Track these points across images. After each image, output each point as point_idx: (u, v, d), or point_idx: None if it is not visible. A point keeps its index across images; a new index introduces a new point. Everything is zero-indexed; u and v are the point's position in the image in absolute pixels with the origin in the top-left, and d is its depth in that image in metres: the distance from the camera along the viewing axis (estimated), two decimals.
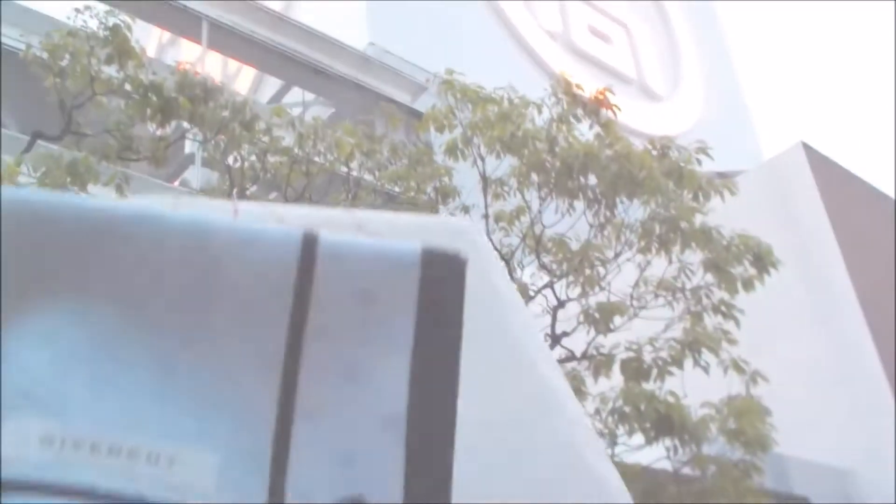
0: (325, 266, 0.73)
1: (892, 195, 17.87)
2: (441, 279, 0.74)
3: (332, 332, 0.73)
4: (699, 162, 7.74)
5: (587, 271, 7.72)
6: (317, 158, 7.65)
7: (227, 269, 0.72)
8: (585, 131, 7.82)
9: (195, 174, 11.80)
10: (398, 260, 0.74)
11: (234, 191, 7.49)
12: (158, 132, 7.15)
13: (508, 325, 0.96)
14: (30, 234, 0.70)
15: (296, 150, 7.50)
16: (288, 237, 0.73)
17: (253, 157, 7.53)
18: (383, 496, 0.68)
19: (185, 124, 7.41)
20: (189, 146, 10.86)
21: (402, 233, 0.98)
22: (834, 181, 16.72)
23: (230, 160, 7.63)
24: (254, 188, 7.90)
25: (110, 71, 6.70)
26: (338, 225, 0.93)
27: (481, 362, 0.74)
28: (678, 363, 7.20)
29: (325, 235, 0.74)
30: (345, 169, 7.80)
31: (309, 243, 0.73)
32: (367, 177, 7.90)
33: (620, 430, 7.06)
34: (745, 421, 7.02)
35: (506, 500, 0.87)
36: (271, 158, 7.54)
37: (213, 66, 17.83)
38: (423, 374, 0.72)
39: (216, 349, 0.72)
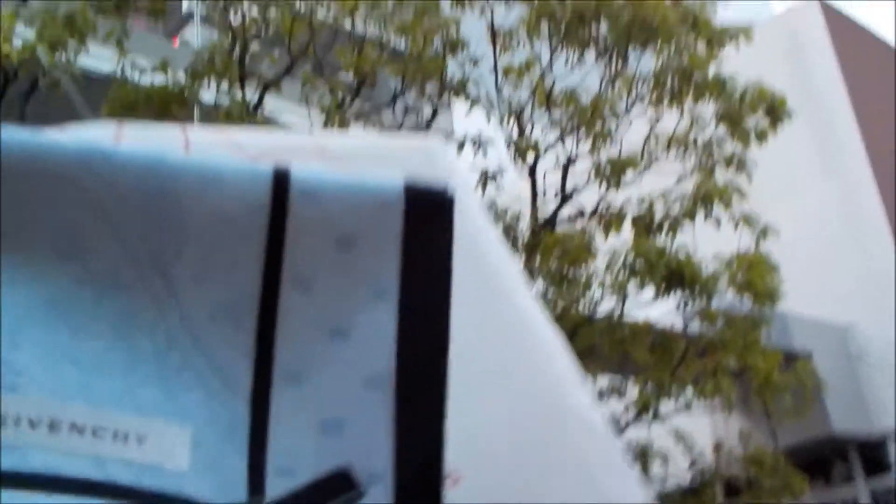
0: (298, 207, 0.64)
1: None
2: (427, 219, 0.66)
3: (310, 282, 0.65)
4: (714, 9, 7.50)
5: (598, 126, 7.60)
6: (320, 12, 7.39)
7: (189, 213, 0.63)
8: None
9: (194, 33, 11.45)
10: (379, 198, 0.66)
11: (237, 46, 7.29)
12: None
13: (484, 254, 0.90)
14: None
15: (298, 4, 7.24)
16: (256, 174, 0.65)
17: (254, 12, 7.27)
18: (372, 467, 0.63)
19: None
20: (187, 5, 10.52)
21: (369, 158, 0.90)
22: (848, 36, 16.27)
23: (230, 16, 7.37)
24: (256, 46, 7.67)
25: None
26: (301, 151, 0.85)
27: (458, 293, 0.66)
28: (689, 217, 7.20)
29: (298, 171, 0.65)
30: (349, 23, 7.55)
31: (280, 181, 0.64)
32: (372, 31, 7.66)
33: (631, 286, 7.12)
34: (755, 274, 7.07)
35: (481, 428, 0.82)
36: (273, 12, 7.28)
37: None
38: (411, 327, 0.65)
39: (180, 306, 0.64)
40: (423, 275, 0.66)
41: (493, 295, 0.91)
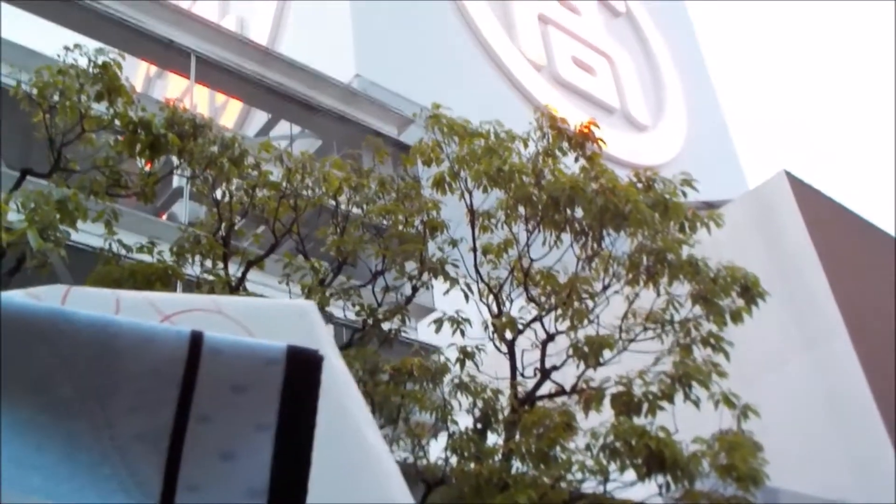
0: (207, 361, 0.86)
1: (875, 222, 18.04)
2: (301, 374, 0.87)
3: (210, 417, 0.86)
4: (684, 194, 7.79)
5: (575, 304, 7.72)
6: (305, 192, 7.64)
7: (126, 363, 0.85)
8: (571, 164, 7.87)
9: (183, 208, 11.78)
10: (267, 357, 0.87)
11: (223, 224, 7.48)
12: (147, 168, 7.14)
13: (339, 395, 1.10)
14: None
15: (284, 185, 7.49)
16: (179, 336, 0.86)
17: (241, 192, 7.51)
18: None
19: (174, 159, 7.40)
20: (177, 180, 10.86)
21: (254, 314, 1.13)
22: (817, 209, 16.87)
23: (218, 194, 7.61)
24: (241, 222, 7.89)
25: (100, 108, 6.71)
26: (202, 310, 1.07)
27: (321, 429, 0.87)
28: (669, 398, 7.19)
29: (209, 335, 0.87)
30: (333, 203, 7.80)
31: (195, 342, 0.86)
32: (356, 211, 7.90)
33: (612, 467, 7.02)
34: (737, 456, 7.00)
35: None
36: (259, 193, 7.52)
37: (200, 98, 17.87)
38: (283, 452, 0.85)
39: (112, 432, 0.84)
40: (295, 415, 0.86)
41: (349, 428, 1.11)
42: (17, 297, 0.91)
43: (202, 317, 1.03)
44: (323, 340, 1.11)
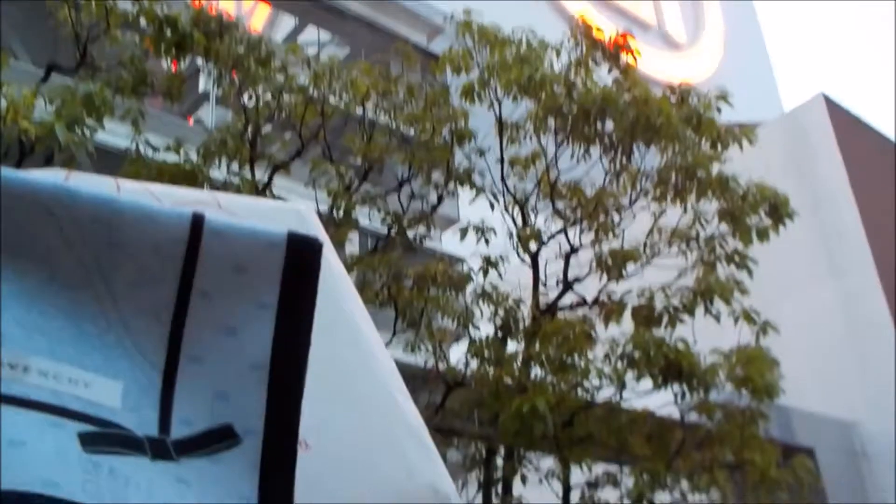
0: (208, 241, 0.89)
1: None
2: (302, 257, 0.90)
3: (212, 294, 0.89)
4: (719, 110, 7.64)
5: (601, 218, 7.68)
6: (332, 98, 7.55)
7: (130, 240, 0.87)
8: (604, 76, 7.71)
9: (209, 112, 11.73)
10: (268, 240, 0.90)
11: (249, 128, 7.45)
12: (173, 67, 7.07)
13: (335, 289, 1.16)
14: None
15: (311, 90, 7.41)
16: (181, 216, 0.89)
17: (268, 96, 7.44)
18: (247, 425, 0.87)
19: (200, 60, 7.32)
20: (203, 84, 10.79)
21: (253, 212, 1.15)
22: (853, 135, 16.49)
23: (245, 98, 7.55)
24: (268, 127, 7.84)
25: (125, 4, 6.61)
26: (202, 203, 1.08)
27: (320, 315, 0.91)
28: (689, 311, 7.21)
29: (210, 216, 0.89)
30: (360, 110, 7.72)
31: (197, 222, 0.89)
32: (383, 118, 7.82)
33: (629, 375, 7.09)
34: (753, 369, 7.04)
35: (327, 415, 1.08)
36: (286, 97, 7.44)
37: (226, 3, 17.58)
38: (284, 330, 0.88)
39: (116, 304, 0.88)
40: (296, 296, 0.89)
41: (346, 321, 1.16)
42: (27, 173, 0.93)
43: (201, 209, 1.05)
44: (320, 238, 1.15)
